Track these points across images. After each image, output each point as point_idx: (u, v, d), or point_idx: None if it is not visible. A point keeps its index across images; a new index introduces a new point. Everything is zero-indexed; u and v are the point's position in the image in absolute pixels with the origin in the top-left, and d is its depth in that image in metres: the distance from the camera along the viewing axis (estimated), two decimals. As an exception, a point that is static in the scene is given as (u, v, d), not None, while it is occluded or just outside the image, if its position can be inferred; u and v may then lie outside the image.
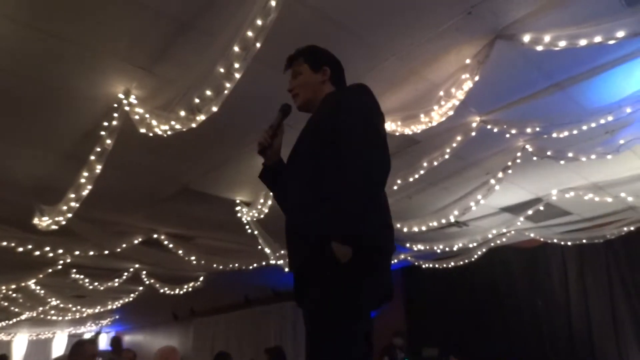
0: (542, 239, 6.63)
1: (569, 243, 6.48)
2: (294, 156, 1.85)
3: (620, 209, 5.84)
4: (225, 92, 2.77)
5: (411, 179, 4.40)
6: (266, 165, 1.96)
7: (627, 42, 2.90)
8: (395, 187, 4.52)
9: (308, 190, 1.69)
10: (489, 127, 3.83)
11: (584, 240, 6.31)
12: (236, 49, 2.54)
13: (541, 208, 5.65)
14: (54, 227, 4.37)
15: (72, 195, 3.83)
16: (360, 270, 1.54)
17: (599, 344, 6.20)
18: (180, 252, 6.40)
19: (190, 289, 8.56)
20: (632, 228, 5.87)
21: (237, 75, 2.68)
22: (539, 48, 2.84)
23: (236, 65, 2.62)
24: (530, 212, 5.69)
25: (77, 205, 3.96)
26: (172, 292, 8.59)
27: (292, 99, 1.96)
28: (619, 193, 5.32)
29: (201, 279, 8.38)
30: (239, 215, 5.39)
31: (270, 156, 1.91)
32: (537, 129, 3.72)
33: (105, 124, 3.41)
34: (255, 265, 6.93)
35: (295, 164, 1.82)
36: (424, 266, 7.58)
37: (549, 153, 4.25)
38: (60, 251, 5.70)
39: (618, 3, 2.72)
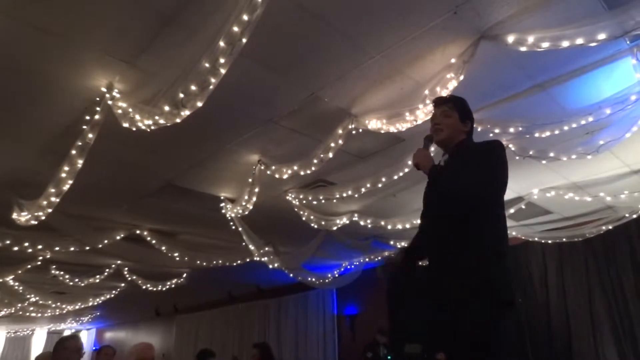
0: (523, 237, 6.73)
1: (549, 241, 6.60)
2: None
3: (599, 208, 5.96)
4: (211, 87, 2.74)
5: (396, 177, 4.43)
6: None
7: (607, 45, 2.95)
8: (380, 185, 4.55)
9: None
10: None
11: (564, 239, 6.42)
12: (221, 44, 2.52)
13: (523, 207, 5.74)
14: (34, 222, 4.29)
15: (53, 190, 3.77)
16: None
17: (577, 340, 6.32)
18: (163, 248, 6.34)
19: (173, 286, 8.50)
20: (610, 227, 5.98)
21: (223, 71, 2.66)
22: (523, 49, 2.87)
23: (221, 61, 2.60)
24: (512, 210, 5.76)
25: (58, 200, 3.89)
26: (155, 289, 8.51)
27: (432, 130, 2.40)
28: (598, 193, 5.42)
29: (184, 275, 8.32)
30: (223, 211, 5.36)
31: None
32: (520, 128, 3.76)
33: (87, 117, 3.36)
34: (239, 262, 6.90)
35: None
36: (407, 263, 7.63)
37: (531, 152, 4.30)
38: (40, 247, 5.60)
39: (599, 5, 2.77)
